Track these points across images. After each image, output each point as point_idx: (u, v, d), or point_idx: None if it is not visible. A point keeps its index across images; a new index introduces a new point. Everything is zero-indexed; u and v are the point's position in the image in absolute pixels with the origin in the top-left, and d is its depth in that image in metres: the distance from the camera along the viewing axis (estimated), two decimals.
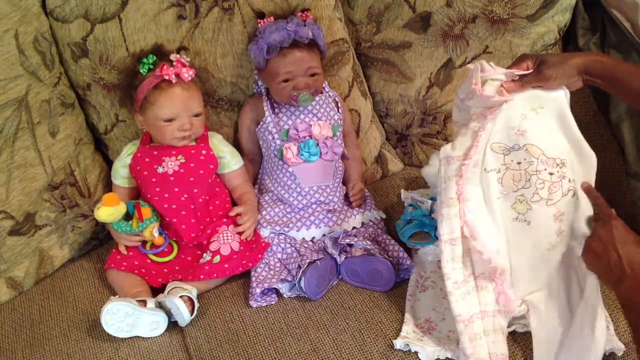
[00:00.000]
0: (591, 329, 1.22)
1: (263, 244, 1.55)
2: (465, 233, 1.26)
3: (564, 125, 1.28)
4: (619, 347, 1.28)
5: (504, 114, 1.26)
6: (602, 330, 1.25)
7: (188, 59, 1.54)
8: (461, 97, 1.32)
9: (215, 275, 1.48)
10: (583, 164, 1.28)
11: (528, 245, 1.27)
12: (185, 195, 1.55)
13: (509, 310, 1.27)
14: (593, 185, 1.27)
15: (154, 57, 1.53)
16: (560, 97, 1.26)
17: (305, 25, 1.57)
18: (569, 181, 1.26)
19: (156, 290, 1.50)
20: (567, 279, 1.27)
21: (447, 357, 1.28)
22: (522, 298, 1.30)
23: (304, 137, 1.60)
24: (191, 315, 1.42)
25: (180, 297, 1.40)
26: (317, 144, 1.60)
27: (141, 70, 1.52)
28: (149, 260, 1.55)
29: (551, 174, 1.24)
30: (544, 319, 1.26)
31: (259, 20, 1.61)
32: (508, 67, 1.27)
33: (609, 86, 1.23)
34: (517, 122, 1.26)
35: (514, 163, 1.25)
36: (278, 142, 1.61)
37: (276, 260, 1.54)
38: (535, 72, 1.24)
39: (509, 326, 1.29)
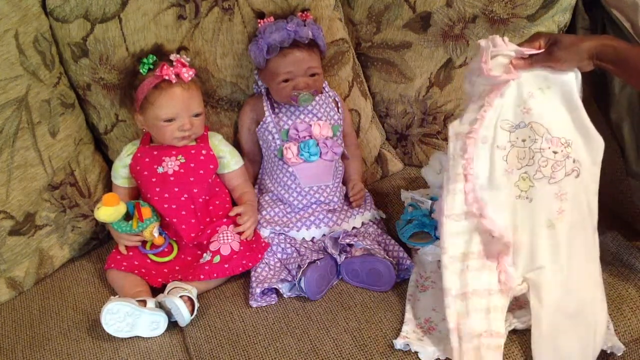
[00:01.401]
0: (592, 313, 1.23)
1: (263, 244, 1.55)
2: (475, 211, 1.28)
3: (571, 107, 1.29)
4: (619, 347, 1.28)
5: (512, 92, 1.28)
6: (603, 313, 1.25)
7: (188, 59, 1.54)
8: (470, 72, 1.34)
9: (215, 275, 1.48)
10: (589, 148, 1.29)
11: (529, 223, 1.29)
12: (185, 195, 1.55)
13: (509, 288, 1.28)
14: (599, 173, 1.28)
15: (154, 57, 1.53)
16: (570, 80, 1.27)
17: (305, 25, 1.57)
18: (574, 161, 1.27)
19: (156, 290, 1.50)
20: (567, 257, 1.28)
21: (447, 357, 1.28)
22: (523, 276, 1.30)
23: (304, 137, 1.60)
24: (191, 315, 1.42)
25: (180, 297, 1.40)
26: (317, 144, 1.60)
27: (141, 70, 1.52)
28: (149, 260, 1.55)
29: (555, 152, 1.26)
30: (543, 297, 1.27)
31: (259, 20, 1.61)
32: (520, 45, 1.28)
33: (619, 71, 1.23)
34: (524, 100, 1.27)
35: (519, 140, 1.27)
36: (278, 142, 1.61)
37: (276, 260, 1.54)
38: (546, 52, 1.25)
39: (509, 324, 1.29)
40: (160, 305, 1.42)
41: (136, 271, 1.53)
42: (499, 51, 1.27)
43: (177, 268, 1.55)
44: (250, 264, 1.51)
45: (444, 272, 1.28)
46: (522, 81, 1.28)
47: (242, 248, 1.51)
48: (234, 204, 1.63)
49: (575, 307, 1.25)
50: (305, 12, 1.63)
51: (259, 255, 1.52)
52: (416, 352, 1.29)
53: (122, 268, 1.53)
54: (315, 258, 1.46)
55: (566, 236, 1.28)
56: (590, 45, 1.22)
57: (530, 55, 1.26)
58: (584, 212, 1.29)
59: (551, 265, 1.28)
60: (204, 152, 1.57)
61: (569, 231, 1.28)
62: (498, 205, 1.29)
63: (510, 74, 1.26)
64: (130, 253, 1.55)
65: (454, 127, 1.31)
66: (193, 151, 1.56)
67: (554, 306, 1.26)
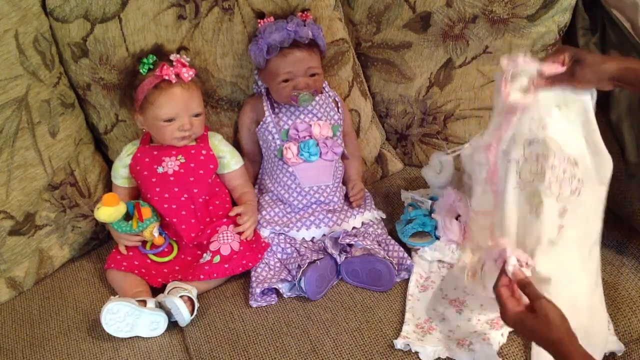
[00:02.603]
0: (592, 327, 1.23)
1: (263, 244, 1.55)
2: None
3: (585, 127, 1.28)
4: (619, 348, 1.28)
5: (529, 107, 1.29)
6: (603, 327, 1.25)
7: (188, 59, 1.54)
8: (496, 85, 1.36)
9: (215, 275, 1.48)
10: (598, 168, 1.29)
11: (534, 238, 1.29)
12: (185, 195, 1.55)
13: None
14: (608, 187, 1.28)
15: (154, 57, 1.53)
16: (586, 99, 1.27)
17: (305, 25, 1.57)
18: (578, 181, 1.27)
19: (156, 290, 1.50)
20: (566, 272, 1.28)
21: (447, 357, 1.28)
22: None
23: (304, 137, 1.60)
24: (191, 315, 1.42)
25: (180, 297, 1.40)
26: (317, 144, 1.60)
27: (141, 70, 1.52)
28: (149, 260, 1.55)
29: (564, 171, 1.26)
30: None
31: (259, 20, 1.61)
32: (545, 58, 1.28)
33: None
34: (541, 116, 1.27)
35: (532, 155, 1.27)
36: (278, 142, 1.61)
37: (276, 260, 1.54)
38: (568, 72, 1.24)
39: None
40: (160, 305, 1.42)
41: (136, 271, 1.53)
42: (520, 68, 1.27)
43: (177, 268, 1.55)
44: (250, 264, 1.51)
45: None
46: (540, 98, 1.27)
47: (242, 248, 1.51)
48: (234, 204, 1.63)
49: (575, 322, 1.24)
50: (305, 12, 1.62)
51: (259, 255, 1.52)
52: (416, 352, 1.29)
53: (122, 268, 1.53)
54: (315, 258, 1.46)
55: (566, 252, 1.28)
56: (612, 67, 1.21)
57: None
58: (581, 229, 1.28)
59: (552, 280, 1.28)
60: (204, 152, 1.57)
61: (568, 247, 1.28)
62: (504, 215, 1.30)
63: (528, 99, 1.26)
64: (130, 253, 1.55)
65: (476, 141, 1.36)
66: (193, 151, 1.56)
67: None
